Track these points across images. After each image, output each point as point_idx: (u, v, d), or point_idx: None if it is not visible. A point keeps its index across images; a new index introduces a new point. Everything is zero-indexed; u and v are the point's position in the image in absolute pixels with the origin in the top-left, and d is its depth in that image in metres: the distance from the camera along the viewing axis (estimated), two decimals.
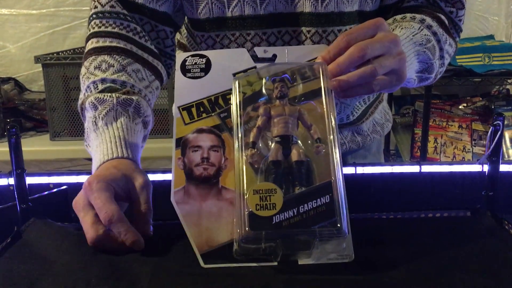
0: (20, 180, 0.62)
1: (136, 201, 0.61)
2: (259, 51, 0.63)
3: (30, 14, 2.21)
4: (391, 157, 2.28)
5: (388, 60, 0.61)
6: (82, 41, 2.54)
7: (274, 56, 0.63)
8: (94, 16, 0.82)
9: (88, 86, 0.76)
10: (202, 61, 0.63)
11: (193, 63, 0.63)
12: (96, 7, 0.81)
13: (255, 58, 0.63)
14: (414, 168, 0.91)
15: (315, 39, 0.83)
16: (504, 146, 2.09)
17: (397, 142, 2.31)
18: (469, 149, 2.10)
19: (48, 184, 0.91)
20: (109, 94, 0.73)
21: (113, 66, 0.76)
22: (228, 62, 0.62)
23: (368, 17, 0.77)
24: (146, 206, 0.60)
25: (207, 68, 0.62)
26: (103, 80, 0.75)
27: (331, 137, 0.55)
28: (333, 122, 0.56)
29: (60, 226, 0.62)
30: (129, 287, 0.50)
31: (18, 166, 0.61)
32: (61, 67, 1.82)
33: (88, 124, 0.73)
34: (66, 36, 2.23)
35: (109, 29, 0.80)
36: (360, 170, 0.91)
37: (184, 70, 0.62)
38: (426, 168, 0.91)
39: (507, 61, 1.95)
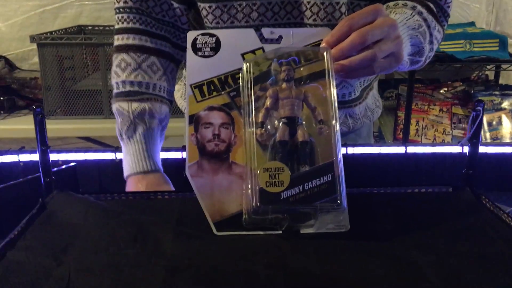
0: (44, 156, 0.66)
1: None
2: (266, 32, 0.66)
3: None
4: (375, 139, 2.35)
5: (387, 45, 0.66)
6: (73, 20, 2.53)
7: (280, 37, 0.66)
8: (115, 11, 0.96)
9: (112, 84, 0.97)
10: (212, 40, 0.64)
11: (203, 42, 0.64)
12: (118, 2, 0.95)
13: (262, 39, 0.65)
14: (400, 149, 0.98)
15: (314, 10, 0.87)
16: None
17: (380, 125, 2.37)
18: (448, 131, 2.17)
19: (57, 160, 0.96)
20: (127, 104, 0.92)
21: (130, 65, 0.93)
22: (236, 42, 0.65)
23: None
24: None
25: (217, 47, 0.64)
26: (123, 82, 0.94)
27: (333, 121, 0.60)
28: (335, 105, 0.60)
29: (82, 197, 0.67)
30: (155, 248, 0.56)
31: (43, 143, 0.66)
32: (55, 47, 1.84)
33: (117, 131, 0.95)
34: (56, 15, 2.24)
35: (125, 24, 0.94)
36: (351, 150, 0.97)
37: (195, 48, 0.64)
38: (412, 149, 0.98)
39: (486, 48, 2.01)
